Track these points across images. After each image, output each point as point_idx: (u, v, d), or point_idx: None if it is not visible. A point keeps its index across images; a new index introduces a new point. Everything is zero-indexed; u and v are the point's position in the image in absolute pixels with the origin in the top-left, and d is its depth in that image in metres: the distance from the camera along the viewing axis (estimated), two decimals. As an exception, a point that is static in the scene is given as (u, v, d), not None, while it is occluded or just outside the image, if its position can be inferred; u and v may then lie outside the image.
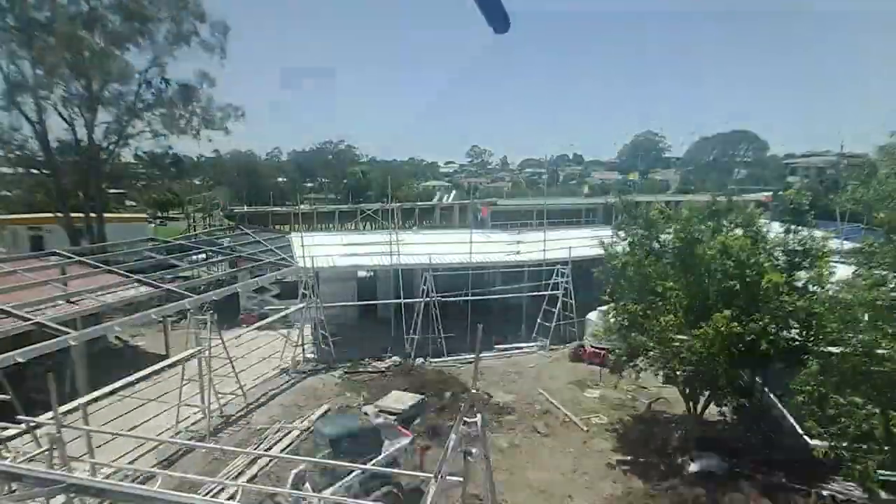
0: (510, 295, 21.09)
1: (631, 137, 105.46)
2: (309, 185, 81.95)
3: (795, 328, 10.65)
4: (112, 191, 37.89)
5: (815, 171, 66.16)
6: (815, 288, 10.63)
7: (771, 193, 34.59)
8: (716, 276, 10.88)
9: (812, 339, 10.20)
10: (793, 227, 11.48)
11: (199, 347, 12.64)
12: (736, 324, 9.90)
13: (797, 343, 10.53)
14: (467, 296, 19.38)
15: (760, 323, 10.09)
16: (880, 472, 8.21)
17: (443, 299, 18.56)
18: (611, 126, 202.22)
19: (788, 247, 11.38)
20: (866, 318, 8.13)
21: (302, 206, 31.56)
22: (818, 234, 11.39)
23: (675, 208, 14.42)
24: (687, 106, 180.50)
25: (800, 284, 10.87)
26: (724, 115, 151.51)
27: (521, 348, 19.62)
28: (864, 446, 8.14)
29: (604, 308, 14.11)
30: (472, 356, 15.57)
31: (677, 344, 10.84)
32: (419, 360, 18.04)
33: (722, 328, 9.81)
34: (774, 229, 12.13)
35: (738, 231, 11.68)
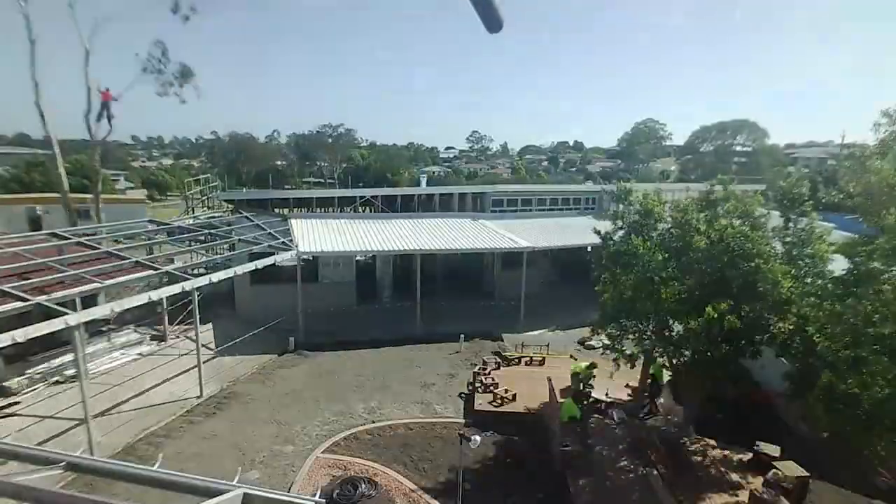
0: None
1: (632, 125, 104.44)
2: (308, 168, 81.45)
3: (791, 318, 10.60)
4: (109, 172, 37.58)
5: (815, 161, 65.89)
6: (811, 279, 10.60)
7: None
8: (712, 266, 10.83)
9: (806, 329, 10.15)
10: (792, 216, 11.40)
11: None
12: (731, 316, 9.87)
13: (791, 333, 10.48)
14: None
15: (753, 314, 10.07)
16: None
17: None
18: (612, 113, 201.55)
19: (786, 237, 11.32)
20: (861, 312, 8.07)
21: (301, 191, 31.44)
22: (817, 224, 11.29)
23: (672, 197, 14.22)
24: (688, 94, 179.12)
25: (796, 274, 10.80)
26: (726, 102, 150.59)
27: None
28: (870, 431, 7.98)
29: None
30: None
31: (674, 333, 10.85)
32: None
33: (714, 319, 9.79)
34: (774, 219, 11.99)
35: (736, 221, 11.50)
